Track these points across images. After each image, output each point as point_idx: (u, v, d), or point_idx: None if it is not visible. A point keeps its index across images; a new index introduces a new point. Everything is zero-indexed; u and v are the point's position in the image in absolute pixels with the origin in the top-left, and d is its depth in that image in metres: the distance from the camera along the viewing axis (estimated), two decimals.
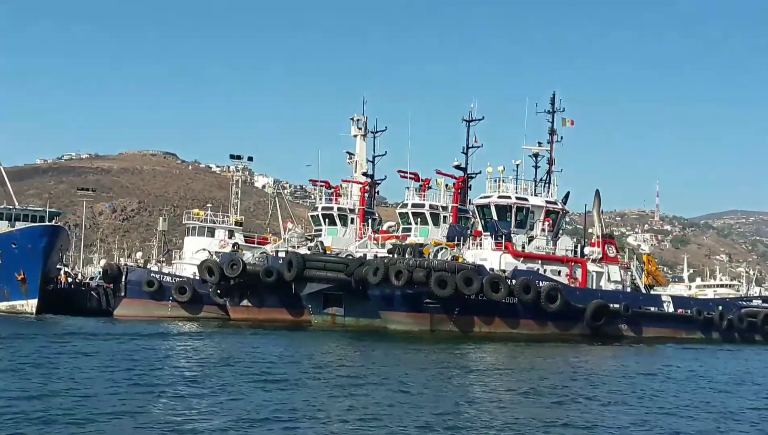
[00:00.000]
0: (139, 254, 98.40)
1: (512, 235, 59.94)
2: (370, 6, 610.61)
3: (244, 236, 77.25)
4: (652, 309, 63.76)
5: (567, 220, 77.38)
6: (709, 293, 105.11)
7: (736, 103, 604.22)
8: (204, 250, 71.28)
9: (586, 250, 63.42)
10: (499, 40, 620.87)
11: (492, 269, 57.04)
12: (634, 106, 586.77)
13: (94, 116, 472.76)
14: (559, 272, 60.52)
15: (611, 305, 59.70)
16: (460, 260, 57.13)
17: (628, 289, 64.71)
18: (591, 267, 62.27)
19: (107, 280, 73.95)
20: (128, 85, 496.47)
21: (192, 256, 73.22)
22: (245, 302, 68.87)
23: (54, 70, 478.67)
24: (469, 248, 60.23)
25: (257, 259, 68.14)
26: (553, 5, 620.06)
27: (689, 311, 65.38)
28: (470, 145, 71.91)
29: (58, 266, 77.87)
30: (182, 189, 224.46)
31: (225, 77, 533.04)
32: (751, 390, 33.27)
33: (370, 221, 73.17)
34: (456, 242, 60.27)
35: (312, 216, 77.57)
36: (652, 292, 67.48)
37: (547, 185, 64.71)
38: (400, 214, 70.48)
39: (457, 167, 71.51)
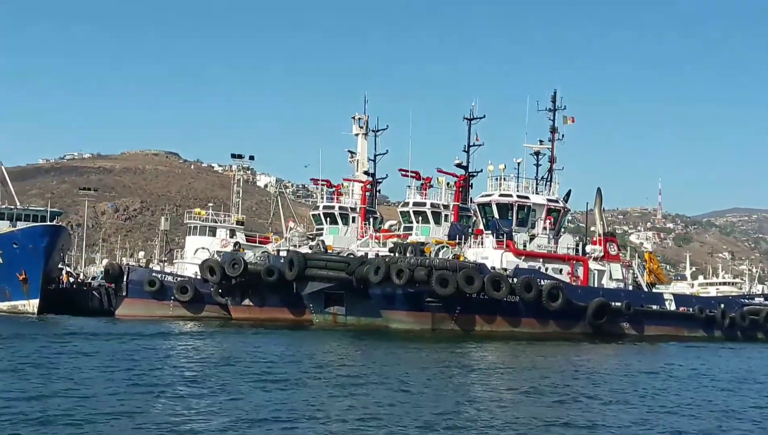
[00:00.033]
0: (141, 254, 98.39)
1: (513, 234, 59.87)
2: (370, 6, 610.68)
3: (246, 235, 77.20)
4: (654, 307, 63.67)
5: (569, 218, 77.35)
6: (712, 291, 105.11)
7: (736, 103, 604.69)
8: (203, 248, 71.34)
9: (588, 248, 63.32)
10: (499, 40, 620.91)
11: (493, 268, 56.95)
12: (635, 106, 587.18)
13: (95, 116, 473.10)
14: (561, 270, 60.41)
15: (613, 303, 59.62)
16: (462, 259, 57.05)
17: (630, 288, 64.61)
18: (592, 265, 62.18)
19: (109, 280, 73.97)
20: (128, 85, 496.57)
21: (193, 255, 73.23)
22: (247, 302, 68.90)
23: (54, 70, 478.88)
24: (470, 247, 60.14)
25: (258, 258, 68.16)
26: (553, 5, 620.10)
27: (691, 309, 65.29)
28: (471, 144, 71.88)
29: (60, 266, 77.88)
30: (184, 188, 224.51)
31: (225, 77, 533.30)
32: (754, 388, 33.16)
33: (371, 220, 73.06)
34: (457, 241, 60.19)
35: (313, 215, 77.57)
36: (653, 290, 67.37)
37: (548, 183, 64.61)
38: (401, 212, 70.38)
39: (459, 166, 71.42)
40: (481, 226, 62.41)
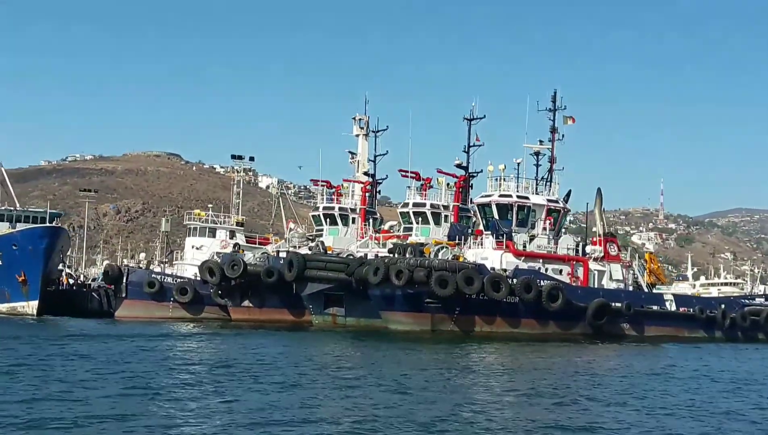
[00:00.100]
0: (142, 255, 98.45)
1: (513, 234, 59.72)
2: (370, 6, 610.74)
3: (246, 236, 77.13)
4: (655, 308, 63.48)
5: (571, 219, 77.14)
6: (713, 292, 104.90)
7: (736, 103, 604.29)
8: (198, 248, 71.45)
9: (588, 248, 63.14)
10: (499, 40, 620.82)
11: (493, 268, 56.80)
12: (635, 106, 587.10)
13: (95, 117, 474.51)
14: (561, 271, 60.25)
15: (613, 304, 59.43)
16: (461, 259, 56.89)
17: (630, 288, 64.42)
18: (593, 266, 62.02)
19: (108, 282, 73.93)
20: (128, 86, 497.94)
21: (193, 256, 73.22)
22: (246, 303, 68.84)
23: (54, 70, 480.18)
24: (470, 247, 59.99)
25: (258, 259, 68.07)
26: (553, 5, 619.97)
27: (691, 310, 65.08)
28: (471, 144, 71.69)
29: (59, 267, 77.82)
30: (186, 190, 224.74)
31: (225, 77, 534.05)
32: (754, 389, 32.99)
33: (371, 221, 72.96)
34: (457, 241, 60.03)
35: (313, 216, 77.48)
36: (654, 290, 67.19)
37: (548, 184, 64.47)
38: (401, 213, 70.28)
39: (459, 166, 71.26)
40: (481, 227, 62.28)
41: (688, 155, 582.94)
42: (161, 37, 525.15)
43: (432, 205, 67.82)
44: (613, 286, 62.88)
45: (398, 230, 69.81)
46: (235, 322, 67.04)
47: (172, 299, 69.86)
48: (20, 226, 69.64)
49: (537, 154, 65.29)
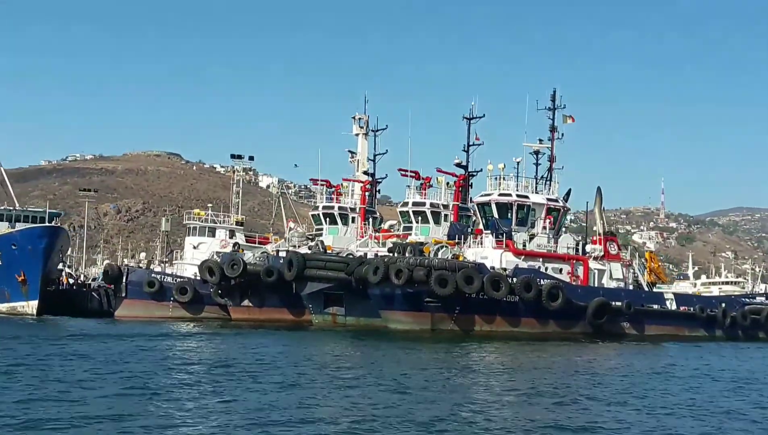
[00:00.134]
0: (143, 255, 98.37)
1: (513, 233, 59.61)
2: (370, 6, 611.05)
3: (245, 236, 77.05)
4: (655, 307, 63.38)
5: (572, 218, 77.08)
6: (714, 290, 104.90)
7: (736, 103, 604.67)
8: (195, 247, 71.43)
9: (588, 247, 63.04)
10: (499, 40, 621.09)
11: (493, 267, 56.69)
12: (635, 106, 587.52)
13: (95, 116, 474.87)
14: (561, 270, 60.14)
15: (613, 303, 59.34)
16: (461, 259, 56.79)
17: (631, 287, 64.32)
18: (593, 265, 61.91)
19: (108, 281, 73.87)
20: (128, 85, 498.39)
21: (193, 256, 73.16)
22: (246, 302, 68.76)
23: (54, 70, 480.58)
24: (470, 247, 59.91)
25: (258, 258, 67.98)
26: (553, 5, 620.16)
27: (692, 309, 65.00)
28: (471, 143, 71.75)
29: (59, 267, 77.75)
30: (186, 189, 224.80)
31: (225, 77, 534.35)
32: (755, 388, 32.92)
33: (371, 220, 72.90)
34: (457, 241, 59.95)
35: (313, 215, 77.40)
36: (654, 289, 67.08)
37: (548, 183, 64.37)
38: (400, 212, 70.19)
39: (458, 165, 71.21)
40: (481, 226, 62.17)
41: (688, 155, 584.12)
42: (161, 37, 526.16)
43: (432, 205, 67.74)
44: (613, 285, 62.77)
45: (398, 229, 69.74)
46: (234, 321, 66.97)
47: (171, 299, 69.79)
48: (20, 226, 69.60)
49: (537, 153, 65.22)
